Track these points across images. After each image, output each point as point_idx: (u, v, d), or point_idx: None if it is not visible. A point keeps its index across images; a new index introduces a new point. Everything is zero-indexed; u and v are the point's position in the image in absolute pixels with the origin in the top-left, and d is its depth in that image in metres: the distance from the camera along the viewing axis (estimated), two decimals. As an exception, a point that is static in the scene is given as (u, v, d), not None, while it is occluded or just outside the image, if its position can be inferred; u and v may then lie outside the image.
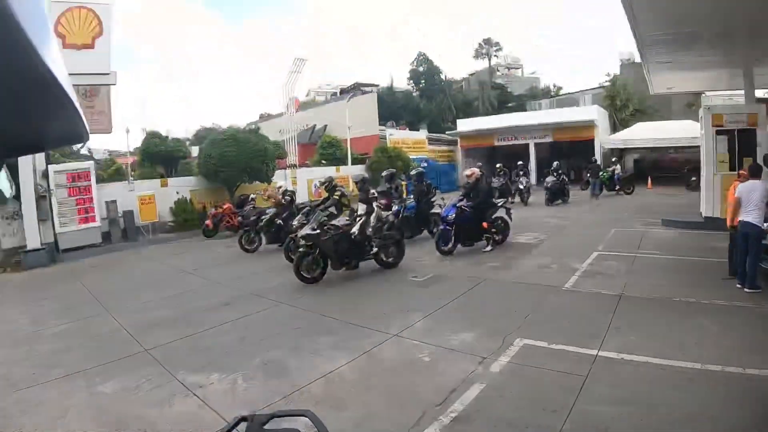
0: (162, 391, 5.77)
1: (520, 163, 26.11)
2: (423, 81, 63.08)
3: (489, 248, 12.51)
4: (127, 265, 15.33)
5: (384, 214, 12.09)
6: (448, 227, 12.42)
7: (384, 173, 16.18)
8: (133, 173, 23.99)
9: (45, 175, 17.99)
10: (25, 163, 16.77)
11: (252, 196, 19.24)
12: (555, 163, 24.37)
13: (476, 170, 13.29)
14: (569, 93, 58.55)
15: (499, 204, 13.46)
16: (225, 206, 19.86)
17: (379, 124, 38.00)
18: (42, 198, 17.56)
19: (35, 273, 15.24)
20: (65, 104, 0.52)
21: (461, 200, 12.72)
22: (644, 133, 31.43)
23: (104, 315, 9.51)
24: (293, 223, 12.99)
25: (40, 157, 17.99)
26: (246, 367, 6.26)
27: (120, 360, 6.91)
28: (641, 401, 4.75)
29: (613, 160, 27.75)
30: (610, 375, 5.34)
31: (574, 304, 8.01)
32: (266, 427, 1.50)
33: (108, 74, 18.70)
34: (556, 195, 23.12)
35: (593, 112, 35.11)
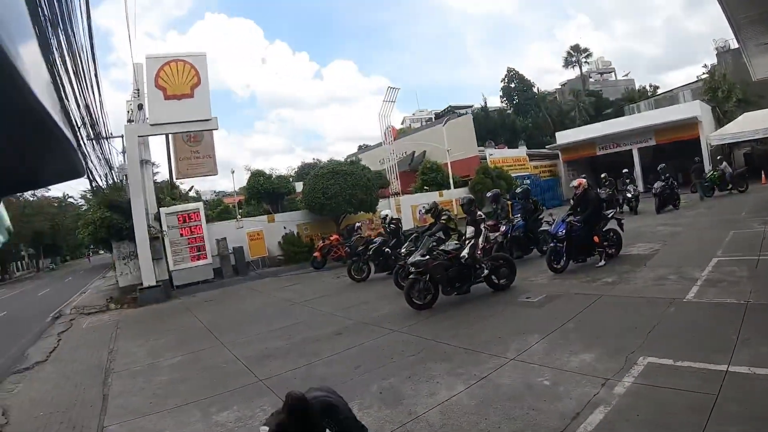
0: None
1: (625, 171, 24.74)
2: (516, 97, 62.48)
3: (602, 263, 11.73)
4: (238, 299, 15.53)
5: (492, 235, 11.59)
6: (558, 244, 11.80)
7: (488, 194, 15.86)
8: (240, 211, 24.58)
9: (157, 217, 18.73)
10: (137, 206, 17.60)
11: (358, 224, 19.22)
12: (661, 166, 22.54)
13: (583, 180, 12.62)
14: (667, 91, 56.08)
15: (609, 215, 12.67)
16: (332, 237, 19.93)
17: (478, 145, 37.54)
18: (155, 239, 18.24)
19: (151, 309, 15.76)
20: (58, 137, 0.48)
21: (570, 215, 12.08)
22: (752, 124, 28.64)
23: (218, 347, 9.59)
24: (401, 251, 12.75)
25: (152, 199, 18.80)
26: (362, 396, 5.99)
27: (234, 390, 6.89)
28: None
29: (719, 158, 25.89)
30: (743, 392, 4.66)
31: (697, 317, 7.20)
32: None
33: (209, 119, 19.27)
34: (666, 201, 21.55)
35: (695, 108, 33.08)
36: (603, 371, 5.59)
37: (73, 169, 0.57)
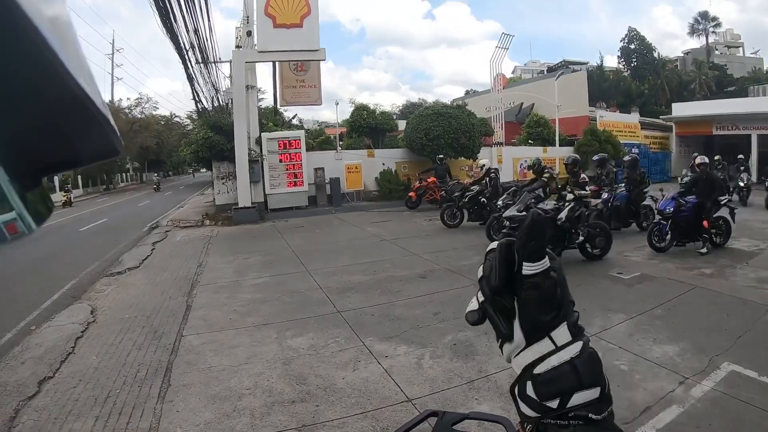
0: (347, 354, 5.71)
1: (740, 157, 22.95)
2: (634, 60, 59.64)
3: (704, 250, 10.87)
4: (329, 229, 15.65)
5: (593, 201, 11.06)
6: (663, 221, 11.09)
7: (595, 158, 15.03)
8: (340, 143, 24.62)
9: (258, 141, 18.99)
10: (239, 129, 17.97)
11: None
12: None
13: (706, 158, 11.73)
14: None
15: (723, 202, 11.73)
16: (429, 179, 19.59)
17: (589, 105, 35.84)
18: (254, 162, 18.57)
19: (243, 228, 16.18)
20: (99, 121, 0.49)
21: (680, 193, 11.27)
22: None
23: (303, 273, 9.66)
24: (498, 203, 12.45)
25: (254, 124, 19.05)
26: (435, 344, 5.89)
27: (312, 318, 6.94)
28: None
29: None
30: None
31: None
32: (456, 427, 1.34)
33: (317, 50, 19.14)
34: (781, 196, 19.79)
35: (832, 99, 29.91)
36: (683, 368, 5.18)
37: (112, 149, 0.55)
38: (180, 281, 9.38)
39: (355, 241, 13.31)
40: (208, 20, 18.33)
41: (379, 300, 7.75)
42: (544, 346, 0.69)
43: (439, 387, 4.84)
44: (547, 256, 0.68)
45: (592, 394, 0.68)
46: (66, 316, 7.52)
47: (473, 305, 0.73)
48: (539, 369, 0.69)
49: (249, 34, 19.32)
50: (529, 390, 0.70)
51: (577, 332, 0.70)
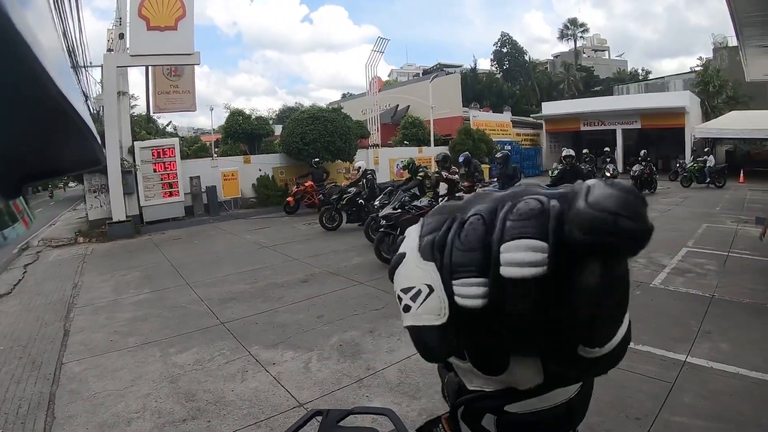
0: (235, 365, 5.73)
1: (607, 149, 25.08)
2: (507, 62, 62.48)
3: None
4: (208, 239, 15.47)
5: (466, 196, 11.65)
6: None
7: (460, 159, 15.64)
8: (216, 150, 24.34)
9: (131, 150, 18.44)
10: (111, 139, 17.29)
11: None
12: (643, 152, 23.23)
13: (572, 151, 12.62)
14: (658, 77, 56.80)
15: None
16: (307, 184, 19.73)
17: (463, 106, 37.29)
18: (128, 173, 18.01)
19: (119, 244, 15.63)
20: (81, 129, 0.49)
21: (548, 185, 12.08)
22: (739, 123, 29.08)
23: (183, 286, 9.57)
24: (375, 203, 12.81)
25: (126, 133, 18.48)
26: (321, 347, 6.08)
27: (195, 332, 6.93)
28: (730, 418, 4.25)
29: (705, 150, 26.20)
30: (699, 384, 4.81)
31: (662, 304, 7.33)
32: (342, 423, 1.35)
33: (191, 54, 18.86)
34: (643, 185, 21.73)
35: (684, 98, 33.23)
36: None
37: (95, 159, 0.60)
38: (56, 305, 9.01)
39: (234, 250, 13.30)
40: (79, 21, 17.62)
41: (261, 308, 7.86)
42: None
43: (329, 388, 5.02)
44: None
45: None
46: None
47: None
48: (513, 408, 0.56)
49: (121, 36, 18.52)
50: (487, 423, 0.57)
51: None
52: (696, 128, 31.03)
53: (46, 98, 0.43)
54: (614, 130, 34.92)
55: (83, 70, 20.72)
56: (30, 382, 5.71)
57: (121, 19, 18.68)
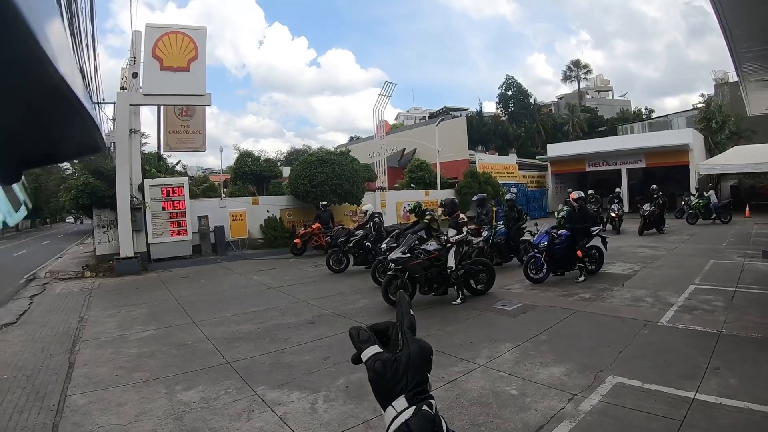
0: (240, 404, 5.67)
1: (618, 190, 25.05)
2: (512, 105, 63.07)
3: (582, 278, 11.79)
4: (215, 278, 15.45)
5: (474, 239, 11.63)
6: (537, 254, 11.87)
7: (475, 198, 15.90)
8: (225, 190, 24.47)
9: (141, 188, 18.60)
10: (121, 175, 17.51)
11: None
12: (653, 187, 22.93)
13: (581, 193, 12.66)
14: (662, 116, 57.59)
15: (595, 232, 12.71)
16: (314, 225, 19.78)
17: (469, 149, 37.50)
18: (137, 209, 18.17)
19: (126, 280, 15.68)
20: (81, 114, 0.50)
21: (554, 227, 12.17)
22: (742, 158, 29.01)
23: (189, 324, 9.56)
24: (382, 246, 12.85)
25: (137, 170, 18.64)
26: (328, 388, 6.01)
27: (201, 370, 6.88)
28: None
29: (709, 185, 26.20)
30: (708, 421, 4.71)
31: (670, 341, 7.24)
32: None
33: (203, 95, 19.25)
34: (652, 224, 21.63)
35: (688, 136, 33.69)
36: (571, 386, 5.64)
37: (95, 145, 0.60)
38: (61, 337, 9.02)
39: (241, 290, 13.25)
40: (94, 59, 17.95)
41: (268, 348, 7.80)
42: (389, 412, 0.89)
43: (335, 429, 4.95)
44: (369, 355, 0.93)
45: None
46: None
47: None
48: (391, 429, 0.87)
49: (135, 75, 18.97)
50: None
51: (414, 400, 0.91)
52: (700, 165, 31.16)
53: (45, 79, 0.44)
54: (619, 170, 35.19)
55: (96, 106, 21.01)
56: (33, 412, 5.68)
57: (135, 58, 19.11)
